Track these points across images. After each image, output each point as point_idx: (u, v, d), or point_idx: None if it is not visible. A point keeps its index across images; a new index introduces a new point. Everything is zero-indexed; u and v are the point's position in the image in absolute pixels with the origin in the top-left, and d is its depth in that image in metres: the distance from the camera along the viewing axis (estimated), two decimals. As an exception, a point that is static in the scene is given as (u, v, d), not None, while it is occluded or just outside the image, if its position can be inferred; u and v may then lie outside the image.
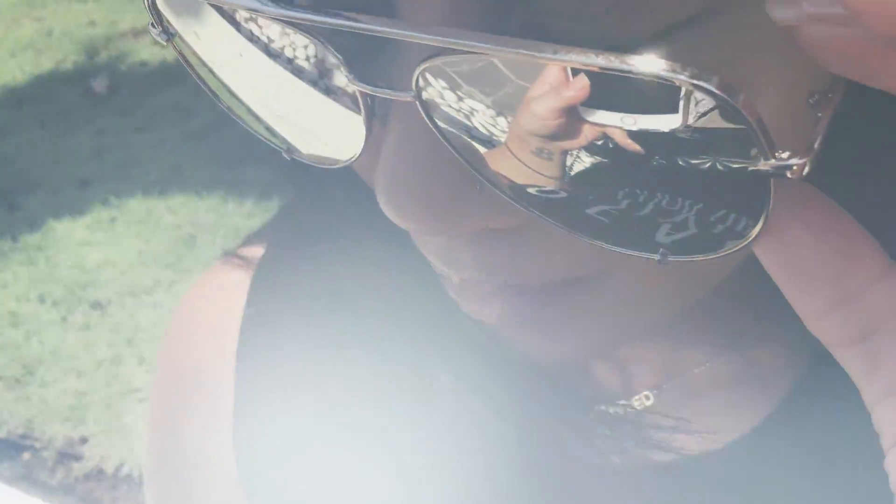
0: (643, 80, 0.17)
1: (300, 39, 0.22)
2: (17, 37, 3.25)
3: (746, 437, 0.34)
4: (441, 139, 0.21)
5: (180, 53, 0.26)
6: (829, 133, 0.18)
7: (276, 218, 0.44)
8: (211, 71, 0.26)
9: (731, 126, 0.17)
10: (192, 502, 0.41)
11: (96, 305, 2.07)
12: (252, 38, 0.23)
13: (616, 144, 0.19)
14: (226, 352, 0.41)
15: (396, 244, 0.33)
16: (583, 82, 0.18)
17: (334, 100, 0.23)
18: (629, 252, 0.21)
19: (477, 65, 0.19)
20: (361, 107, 0.22)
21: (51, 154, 2.64)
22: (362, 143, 0.23)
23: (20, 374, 1.91)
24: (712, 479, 0.34)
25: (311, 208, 0.35)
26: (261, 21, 0.22)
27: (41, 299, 2.09)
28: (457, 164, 0.22)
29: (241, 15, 0.23)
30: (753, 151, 0.17)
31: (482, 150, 0.21)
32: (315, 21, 0.20)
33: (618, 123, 0.18)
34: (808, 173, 0.17)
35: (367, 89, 0.22)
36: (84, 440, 1.77)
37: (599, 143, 0.19)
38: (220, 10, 0.23)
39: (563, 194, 0.21)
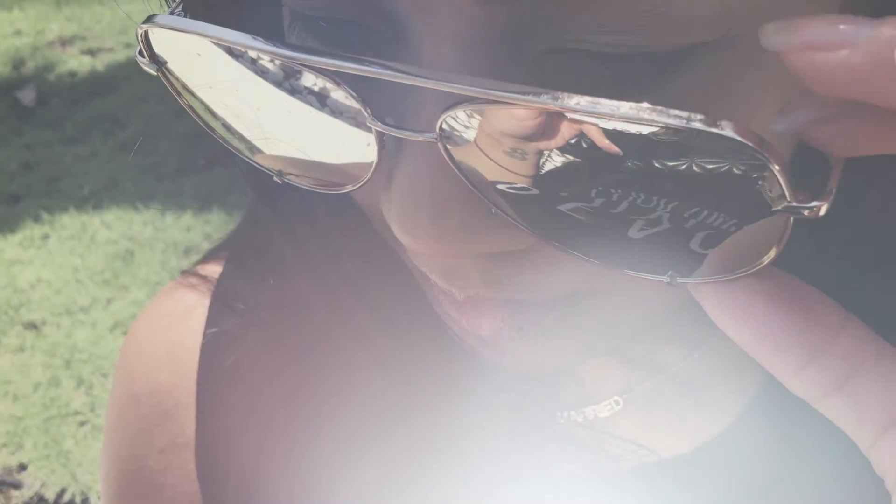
0: (672, 130, 0.18)
1: (307, 75, 0.22)
2: (-64, 48, 3.12)
3: (717, 438, 0.34)
4: (461, 177, 0.22)
5: (168, 82, 0.25)
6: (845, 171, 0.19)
7: (234, 234, 0.43)
8: (197, 96, 0.25)
9: (756, 171, 0.18)
10: (155, 531, 0.40)
11: (30, 326, 2.00)
12: (251, 66, 0.23)
13: (636, 180, 0.19)
14: (186, 374, 0.40)
15: (359, 259, 0.33)
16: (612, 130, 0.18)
17: (341, 130, 0.23)
18: (641, 276, 0.22)
19: (501, 111, 0.19)
20: (375, 143, 0.23)
21: (-24, 170, 2.54)
22: (369, 173, 0.24)
23: (-49, 400, 1.83)
24: (684, 482, 0.34)
25: (271, 224, 0.35)
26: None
27: (-29, 321, 2.01)
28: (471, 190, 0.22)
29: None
30: (776, 193, 0.18)
31: (503, 187, 0.21)
32: (344, 68, 0.20)
33: (639, 164, 0.19)
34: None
35: (389, 130, 0.22)
36: (23, 467, 1.70)
37: (620, 179, 0.19)
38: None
39: (583, 223, 0.21)
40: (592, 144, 0.19)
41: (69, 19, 3.27)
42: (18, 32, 3.20)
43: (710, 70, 0.21)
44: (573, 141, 0.19)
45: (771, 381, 0.34)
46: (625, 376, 0.35)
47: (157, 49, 0.24)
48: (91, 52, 3.11)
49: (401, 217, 0.23)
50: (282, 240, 0.34)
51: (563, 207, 0.21)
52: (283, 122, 0.24)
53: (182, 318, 0.41)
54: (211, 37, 0.22)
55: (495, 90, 0.19)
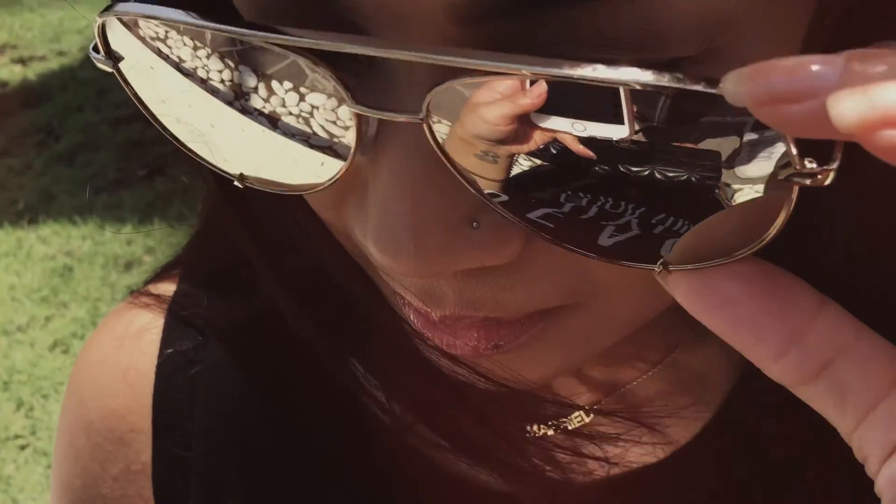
0: (678, 92, 0.17)
1: (273, 60, 0.21)
2: None
3: (683, 449, 0.34)
4: (445, 161, 0.21)
5: (124, 80, 0.24)
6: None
7: (186, 251, 0.42)
8: (158, 99, 0.24)
9: (762, 138, 0.17)
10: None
11: (-36, 347, 1.93)
12: (214, 61, 0.22)
13: (635, 154, 0.19)
14: (141, 398, 0.39)
15: (315, 273, 0.32)
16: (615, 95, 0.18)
17: (306, 127, 0.22)
18: (633, 265, 0.21)
19: (492, 86, 0.19)
20: (355, 131, 0.21)
21: None
22: (344, 167, 0.22)
23: None
24: (655, 492, 0.34)
25: (235, 234, 0.34)
26: (228, 45, 0.21)
27: None
28: (452, 198, 0.21)
29: (207, 38, 0.21)
30: (783, 160, 0.17)
31: (491, 173, 0.20)
32: (328, 46, 0.19)
33: (639, 138, 0.18)
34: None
35: (372, 112, 0.21)
36: (-41, 495, 1.63)
37: (611, 157, 0.19)
38: (181, 33, 0.22)
39: (570, 212, 0.20)
40: (592, 115, 0.18)
41: (-2, 28, 3.17)
42: (-56, 42, 3.09)
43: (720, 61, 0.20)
44: (567, 115, 0.18)
45: (735, 392, 0.35)
46: (594, 389, 0.35)
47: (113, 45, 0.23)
48: (22, 61, 3.02)
49: (379, 238, 0.22)
50: (249, 251, 0.33)
51: (553, 191, 0.20)
52: (247, 122, 0.23)
53: (135, 339, 0.40)
54: (183, 22, 0.21)
55: (488, 60, 0.18)
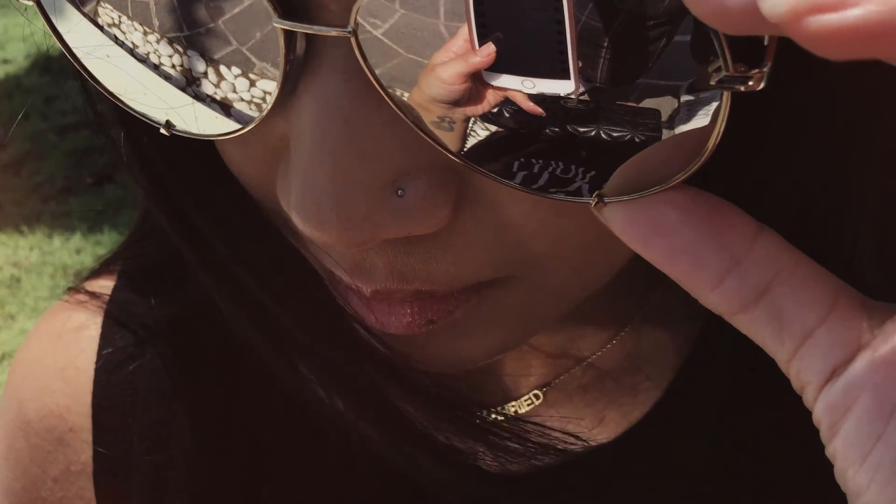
0: None
1: None
2: None
3: (640, 423, 0.35)
4: (375, 84, 0.20)
5: (48, 20, 0.24)
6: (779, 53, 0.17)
7: (123, 248, 0.41)
8: (82, 44, 0.24)
9: (693, 37, 0.17)
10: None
11: None
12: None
13: (558, 70, 0.18)
14: (79, 397, 0.38)
15: (255, 264, 0.32)
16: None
17: (234, 57, 0.22)
18: (566, 199, 0.21)
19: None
20: (282, 51, 0.21)
21: None
22: (271, 101, 0.22)
23: None
24: (612, 469, 0.35)
25: (168, 226, 0.33)
26: None
27: None
28: (375, 164, 0.21)
29: None
30: (714, 65, 0.17)
31: (422, 97, 0.20)
32: None
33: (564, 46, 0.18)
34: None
35: (297, 27, 0.20)
36: None
37: (552, 57, 0.18)
38: None
39: (503, 146, 0.20)
40: (522, 16, 0.18)
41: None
42: None
43: None
44: (501, 18, 0.18)
45: (684, 371, 0.35)
46: (544, 370, 0.36)
47: None
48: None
49: (301, 207, 0.22)
50: (183, 244, 0.32)
51: (488, 123, 0.20)
52: (171, 60, 0.23)
53: (72, 337, 0.39)
54: None
55: None
